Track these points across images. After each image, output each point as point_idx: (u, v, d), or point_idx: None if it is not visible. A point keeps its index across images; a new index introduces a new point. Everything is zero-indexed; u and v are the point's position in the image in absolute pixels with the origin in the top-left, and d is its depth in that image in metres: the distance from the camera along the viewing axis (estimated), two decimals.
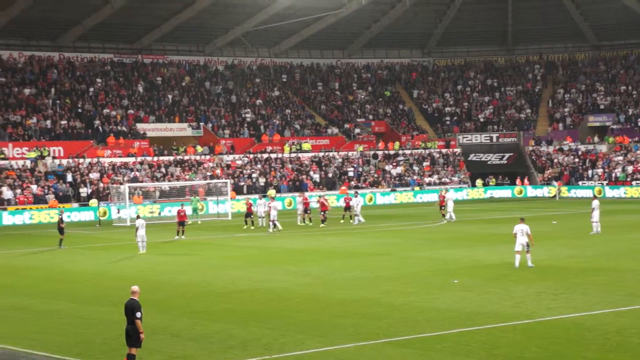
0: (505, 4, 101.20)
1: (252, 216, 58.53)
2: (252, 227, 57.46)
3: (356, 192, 65.07)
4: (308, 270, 35.45)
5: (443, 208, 60.25)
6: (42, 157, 76.21)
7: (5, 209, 68.20)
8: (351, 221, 59.44)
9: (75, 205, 71.51)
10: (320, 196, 64.95)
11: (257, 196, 69.07)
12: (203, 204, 71.29)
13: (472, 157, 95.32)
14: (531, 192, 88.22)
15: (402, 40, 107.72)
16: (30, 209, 68.92)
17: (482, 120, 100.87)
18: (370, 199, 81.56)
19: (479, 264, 35.68)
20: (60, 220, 48.41)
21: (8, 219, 67.25)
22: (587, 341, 21.06)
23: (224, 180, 75.38)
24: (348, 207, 60.70)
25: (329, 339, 21.91)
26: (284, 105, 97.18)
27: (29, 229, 63.00)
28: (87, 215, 69.33)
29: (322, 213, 58.59)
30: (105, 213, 68.05)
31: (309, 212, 59.57)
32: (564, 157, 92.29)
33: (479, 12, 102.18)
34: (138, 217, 45.51)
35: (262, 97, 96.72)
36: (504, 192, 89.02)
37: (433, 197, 78.43)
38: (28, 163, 75.22)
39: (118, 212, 67.68)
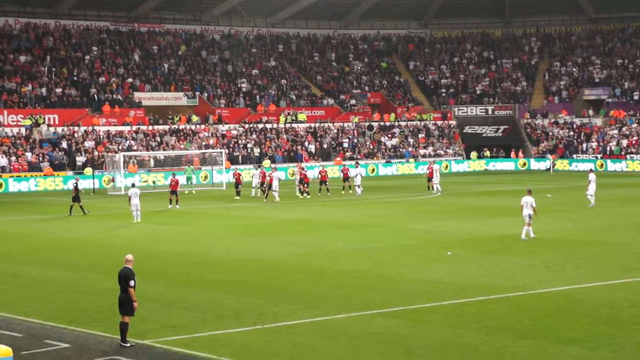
0: None
1: (240, 187, 58.20)
2: (237, 198, 57.05)
3: (357, 163, 65.06)
4: (302, 240, 35.54)
5: (431, 180, 60.28)
6: (37, 124, 76.06)
7: (11, 176, 68.31)
8: (350, 192, 59.51)
9: (70, 173, 71.47)
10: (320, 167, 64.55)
11: (251, 166, 68.97)
12: (202, 173, 71.18)
13: (467, 129, 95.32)
14: (534, 164, 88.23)
15: (399, 12, 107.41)
16: (36, 176, 69.04)
17: (478, 92, 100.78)
18: (373, 170, 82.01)
19: (472, 237, 35.79)
20: (75, 188, 48.44)
21: (14, 185, 67.67)
22: (578, 314, 21.19)
23: (218, 150, 75.36)
24: (346, 178, 60.78)
25: (322, 309, 22.01)
26: (280, 75, 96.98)
27: (32, 196, 62.97)
28: (81, 184, 69.30)
29: (324, 183, 58.73)
30: (111, 181, 68.08)
31: (305, 184, 58.71)
32: (559, 130, 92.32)
33: None
34: (133, 185, 45.55)
35: (258, 67, 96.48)
36: (506, 165, 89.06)
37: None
38: (23, 130, 75.09)
39: (112, 180, 67.75)
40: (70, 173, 71.39)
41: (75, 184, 49.09)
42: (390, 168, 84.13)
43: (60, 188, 67.81)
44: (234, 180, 59.24)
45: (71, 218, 46.70)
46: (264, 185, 56.91)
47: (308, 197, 56.75)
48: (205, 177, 72.09)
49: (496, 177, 76.52)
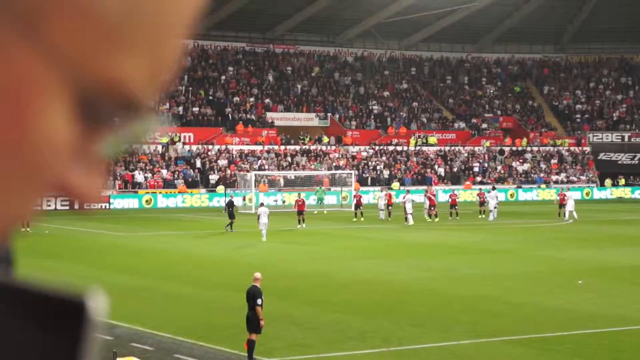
0: None
1: (361, 208, 58.29)
2: (362, 219, 57.03)
3: (493, 187, 64.67)
4: (430, 264, 35.34)
5: (563, 207, 59.30)
6: (173, 142, 77.98)
7: (160, 192, 70.86)
8: (482, 216, 59.03)
9: (203, 191, 72.97)
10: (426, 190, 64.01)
11: (377, 188, 69.04)
12: (342, 194, 71.36)
13: (601, 156, 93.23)
14: None
15: (534, 36, 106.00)
16: (183, 193, 71.55)
17: (614, 119, 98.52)
18: (512, 195, 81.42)
19: (605, 266, 34.92)
20: (230, 204, 49.54)
21: (162, 201, 70.20)
22: None
23: (348, 172, 75.72)
24: (483, 203, 60.38)
25: (448, 334, 21.84)
26: (411, 98, 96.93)
27: (180, 212, 64.51)
28: (214, 201, 70.78)
29: (454, 207, 58.38)
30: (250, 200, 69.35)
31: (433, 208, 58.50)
32: None
33: (615, 7, 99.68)
34: (262, 204, 46.20)
35: (390, 89, 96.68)
36: None
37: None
38: (160, 148, 77.08)
39: (244, 199, 68.79)
40: (203, 191, 72.90)
41: (229, 201, 50.22)
42: (530, 193, 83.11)
43: (206, 205, 69.49)
44: (355, 202, 59.43)
45: (198, 234, 47.58)
46: (390, 207, 56.94)
47: (437, 219, 56.51)
48: (345, 197, 71.51)
49: (631, 206, 74.51)
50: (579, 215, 58.10)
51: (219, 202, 69.49)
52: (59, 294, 0.83)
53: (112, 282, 29.79)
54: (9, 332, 0.80)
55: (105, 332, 20.74)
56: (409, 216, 54.26)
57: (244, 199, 68.69)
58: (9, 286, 0.82)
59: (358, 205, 58.37)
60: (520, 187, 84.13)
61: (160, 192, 70.70)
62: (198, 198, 70.99)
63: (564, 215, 58.39)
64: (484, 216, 59.27)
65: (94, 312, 0.83)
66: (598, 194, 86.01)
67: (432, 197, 58.12)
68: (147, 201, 69.21)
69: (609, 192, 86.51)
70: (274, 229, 46.88)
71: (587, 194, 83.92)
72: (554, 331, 22.23)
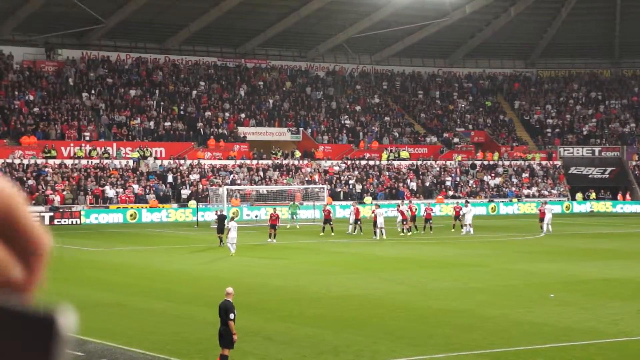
0: (613, 16, 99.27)
1: (331, 222, 58.06)
2: (332, 234, 56.67)
3: (467, 202, 64.84)
4: (402, 278, 35.35)
5: (542, 220, 59.67)
6: (144, 157, 77.68)
7: (143, 207, 70.62)
8: (453, 230, 59.24)
9: (175, 206, 72.71)
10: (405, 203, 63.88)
11: (348, 203, 69.06)
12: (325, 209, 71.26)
13: (572, 170, 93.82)
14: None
15: (505, 51, 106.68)
16: (167, 208, 71.43)
17: (584, 133, 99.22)
18: (493, 209, 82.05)
19: (576, 279, 35.08)
20: (222, 218, 49.36)
21: (147, 216, 69.95)
22: None
23: (320, 186, 75.71)
24: (457, 216, 60.59)
25: (421, 348, 21.82)
26: (383, 112, 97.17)
27: (150, 227, 64.26)
28: (185, 216, 70.56)
29: (428, 221, 58.51)
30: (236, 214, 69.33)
31: (359, 222, 57.97)
32: None
33: (585, 23, 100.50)
34: (232, 219, 46.06)
35: (361, 103, 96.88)
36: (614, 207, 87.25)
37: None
38: (131, 163, 76.76)
39: (216, 214, 68.55)
40: (175, 206, 72.62)
41: (221, 215, 50.02)
42: (512, 207, 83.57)
43: (190, 219, 69.11)
44: (324, 216, 59.18)
45: (169, 250, 47.39)
46: (359, 222, 56.94)
47: (409, 233, 56.66)
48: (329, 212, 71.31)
49: (601, 219, 74.99)
50: (553, 229, 58.41)
51: (205, 217, 69.26)
52: (29, 311, 0.84)
53: (83, 297, 29.57)
54: None
55: (76, 347, 20.54)
56: (379, 230, 54.22)
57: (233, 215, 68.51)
58: None
59: (327, 220, 58.16)
60: (511, 202, 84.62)
61: (143, 207, 70.56)
62: (182, 213, 70.61)
63: (542, 229, 58.69)
64: (453, 230, 59.42)
65: (64, 328, 0.84)
66: (578, 207, 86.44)
67: (409, 211, 58.37)
68: (131, 215, 69.18)
69: (589, 206, 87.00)
70: (245, 243, 46.70)
71: (567, 207, 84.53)
72: (526, 345, 22.26)
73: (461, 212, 60.31)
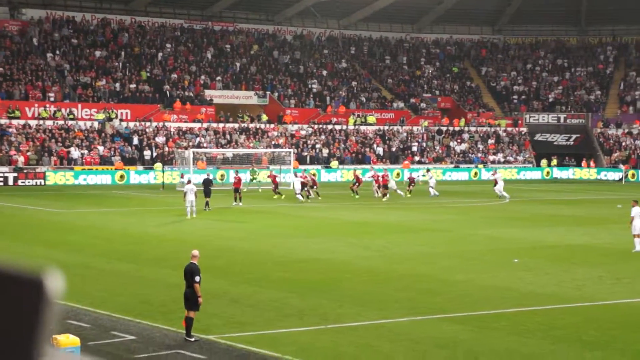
0: None
1: (277, 188, 58.34)
2: (283, 197, 57.04)
3: (427, 169, 65.50)
4: (367, 243, 35.46)
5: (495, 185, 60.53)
6: (109, 119, 77.13)
7: (128, 169, 70.72)
8: (409, 195, 59.54)
9: (140, 168, 72.35)
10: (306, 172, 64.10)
11: (318, 166, 69.00)
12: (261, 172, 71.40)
13: (538, 137, 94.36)
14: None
15: (472, 17, 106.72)
16: (155, 169, 71.26)
17: (550, 100, 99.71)
18: (476, 174, 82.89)
19: (540, 245, 35.37)
20: (207, 182, 49.05)
21: (135, 177, 70.06)
22: None
23: (287, 150, 75.62)
24: (412, 182, 61.45)
25: (386, 312, 21.94)
26: (350, 77, 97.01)
27: (115, 189, 63.94)
28: (150, 178, 70.26)
29: (384, 187, 58.74)
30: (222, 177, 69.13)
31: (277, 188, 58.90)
32: (633, 141, 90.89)
33: None
34: (189, 182, 45.61)
35: (329, 68, 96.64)
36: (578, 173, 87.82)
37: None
38: (96, 124, 76.20)
39: (181, 177, 68.33)
40: (140, 168, 72.27)
41: (206, 179, 49.72)
42: (487, 173, 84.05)
43: (178, 182, 68.79)
44: (271, 181, 59.45)
45: (135, 212, 47.22)
46: (305, 189, 57.13)
47: (357, 196, 57.92)
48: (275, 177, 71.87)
49: (565, 186, 75.52)
50: (517, 194, 58.78)
51: (177, 179, 68.93)
52: (18, 274, 0.85)
53: (47, 258, 29.42)
54: None
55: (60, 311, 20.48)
56: (299, 196, 55.24)
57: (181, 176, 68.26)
58: None
59: (276, 185, 58.60)
60: (458, 167, 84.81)
61: (135, 170, 70.75)
62: (169, 175, 70.02)
63: (499, 196, 59.19)
64: (409, 195, 59.93)
65: (52, 291, 0.85)
66: (558, 173, 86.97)
67: (382, 178, 58.69)
68: (120, 176, 69.22)
69: (572, 173, 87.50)
70: (211, 206, 46.62)
71: (547, 173, 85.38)
72: (489, 309, 22.44)
73: (417, 178, 62.11)
